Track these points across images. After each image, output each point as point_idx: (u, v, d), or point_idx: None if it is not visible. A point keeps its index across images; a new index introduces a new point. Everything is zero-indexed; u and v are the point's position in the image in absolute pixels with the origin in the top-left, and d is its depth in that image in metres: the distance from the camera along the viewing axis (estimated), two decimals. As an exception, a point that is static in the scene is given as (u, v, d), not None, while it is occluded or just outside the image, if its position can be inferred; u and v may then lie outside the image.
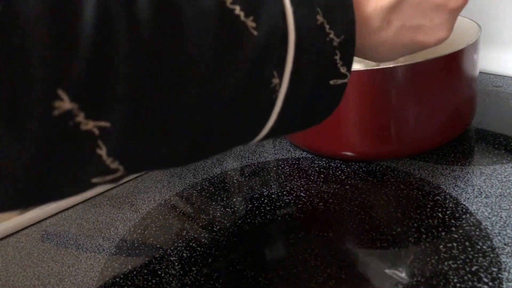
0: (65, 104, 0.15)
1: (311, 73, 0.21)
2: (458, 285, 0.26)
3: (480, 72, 0.56)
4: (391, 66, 0.37)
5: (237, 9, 0.18)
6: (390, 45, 0.26)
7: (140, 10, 0.16)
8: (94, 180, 0.18)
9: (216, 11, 0.18)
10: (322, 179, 0.39)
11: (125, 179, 0.46)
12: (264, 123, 0.22)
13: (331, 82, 0.22)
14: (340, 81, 0.23)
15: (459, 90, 0.39)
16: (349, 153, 0.40)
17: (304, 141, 0.44)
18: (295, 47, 0.20)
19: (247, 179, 0.42)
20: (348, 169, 0.40)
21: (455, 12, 0.26)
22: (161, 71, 0.17)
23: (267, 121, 0.22)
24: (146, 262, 0.33)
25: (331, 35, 0.21)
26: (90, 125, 0.16)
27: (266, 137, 0.23)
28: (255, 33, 0.19)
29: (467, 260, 0.28)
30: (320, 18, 0.21)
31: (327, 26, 0.21)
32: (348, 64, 0.22)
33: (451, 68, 0.37)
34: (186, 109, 0.18)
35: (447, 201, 0.34)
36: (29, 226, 0.41)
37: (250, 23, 0.19)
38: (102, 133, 0.16)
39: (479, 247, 0.29)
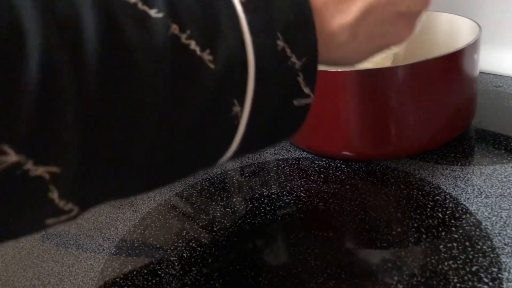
0: (11, 157, 0.15)
1: (274, 97, 0.21)
2: (458, 285, 0.26)
3: (480, 72, 0.56)
4: (391, 66, 0.37)
5: (193, 44, 0.18)
6: (357, 53, 0.26)
7: (87, 57, 0.16)
8: (48, 221, 0.18)
9: (169, 48, 0.17)
10: (322, 179, 0.39)
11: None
12: (227, 148, 0.22)
13: (295, 102, 0.22)
14: (304, 101, 0.23)
15: (459, 90, 0.39)
16: (349, 153, 0.40)
17: (304, 141, 0.44)
18: (256, 74, 0.20)
19: (247, 179, 0.42)
20: (348, 169, 0.40)
21: (417, 15, 0.27)
22: (111, 114, 0.16)
23: (230, 146, 0.22)
24: (146, 262, 0.33)
25: (293, 59, 0.21)
26: (39, 170, 0.15)
27: (231, 158, 0.23)
28: (212, 66, 0.18)
29: (467, 260, 0.28)
30: (280, 43, 0.20)
31: (288, 50, 0.21)
32: (312, 84, 0.22)
33: (451, 68, 0.37)
34: (141, 148, 0.18)
35: (447, 201, 0.34)
36: (29, 226, 0.41)
37: (207, 56, 0.18)
38: (52, 178, 0.16)
39: (479, 247, 0.29)
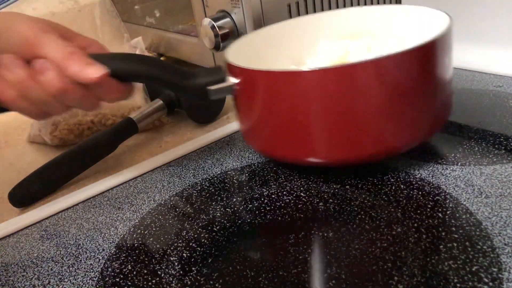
0: None
1: None
2: (458, 285, 0.26)
3: (480, 72, 0.56)
4: (354, 63, 0.33)
5: None
6: None
7: None
8: None
9: None
10: (322, 179, 0.39)
11: (125, 179, 0.46)
12: None
13: None
14: None
15: (431, 86, 0.36)
16: (315, 160, 0.38)
17: (267, 148, 0.41)
18: None
19: (247, 179, 0.42)
20: (348, 169, 0.40)
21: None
22: None
23: None
24: (146, 262, 0.33)
25: None
26: None
27: None
28: None
29: (467, 260, 0.28)
30: None
31: None
32: None
33: (420, 62, 0.35)
34: None
35: (447, 201, 0.34)
36: (29, 226, 0.41)
37: None
38: None
39: (479, 247, 0.29)
